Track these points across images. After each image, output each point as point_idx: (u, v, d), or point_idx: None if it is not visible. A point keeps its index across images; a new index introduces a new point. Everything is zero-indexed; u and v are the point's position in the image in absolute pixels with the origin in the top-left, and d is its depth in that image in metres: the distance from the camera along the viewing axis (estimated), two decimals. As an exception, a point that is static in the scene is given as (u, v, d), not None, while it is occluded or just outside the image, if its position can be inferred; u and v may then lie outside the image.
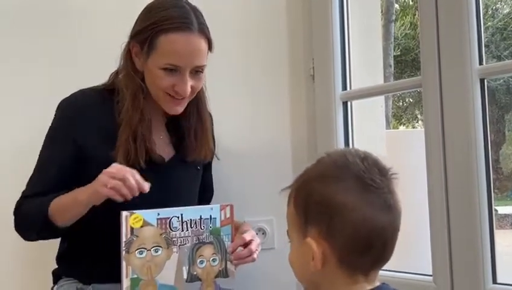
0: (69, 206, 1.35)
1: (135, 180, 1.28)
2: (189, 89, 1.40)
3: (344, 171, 0.89)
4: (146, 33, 1.37)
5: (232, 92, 1.87)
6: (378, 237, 0.88)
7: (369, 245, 0.88)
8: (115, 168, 1.30)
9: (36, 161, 1.47)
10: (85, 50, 1.81)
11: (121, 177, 1.27)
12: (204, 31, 1.40)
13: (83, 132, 1.43)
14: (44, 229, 1.37)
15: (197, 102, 1.50)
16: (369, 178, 0.88)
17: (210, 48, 1.43)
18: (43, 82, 1.79)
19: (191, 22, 1.37)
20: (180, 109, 1.45)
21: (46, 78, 1.79)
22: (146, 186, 1.29)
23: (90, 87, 1.50)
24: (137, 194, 1.28)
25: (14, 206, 1.45)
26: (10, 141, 1.76)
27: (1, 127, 1.78)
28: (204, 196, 1.66)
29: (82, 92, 1.49)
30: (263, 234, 1.85)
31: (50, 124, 1.48)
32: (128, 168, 1.30)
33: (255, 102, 1.89)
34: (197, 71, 1.41)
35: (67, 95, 1.49)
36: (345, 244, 0.88)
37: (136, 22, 1.42)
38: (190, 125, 1.50)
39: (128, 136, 1.39)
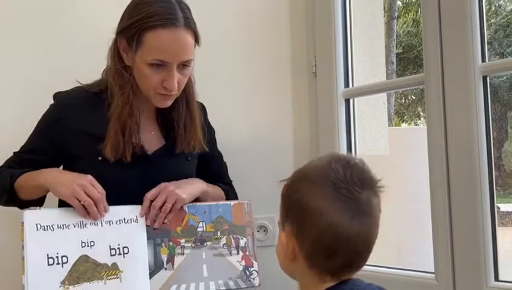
0: (29, 185, 1.43)
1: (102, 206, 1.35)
2: (176, 84, 1.40)
3: (323, 178, 0.92)
4: (133, 29, 1.37)
5: (234, 89, 1.87)
6: (344, 244, 0.90)
7: (333, 251, 0.90)
8: (89, 183, 1.35)
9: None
10: (80, 43, 1.81)
11: (95, 198, 1.34)
12: (190, 25, 1.39)
13: (68, 132, 1.44)
14: (9, 199, 1.47)
15: (186, 94, 1.51)
16: (345, 187, 0.90)
17: (197, 41, 1.43)
18: (40, 76, 1.79)
19: (176, 17, 1.36)
20: (169, 103, 1.46)
21: (43, 71, 1.79)
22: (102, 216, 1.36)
23: (86, 84, 1.50)
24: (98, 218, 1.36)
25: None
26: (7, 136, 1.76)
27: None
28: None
29: (76, 90, 1.50)
30: (265, 231, 1.85)
31: (43, 114, 1.51)
32: (101, 191, 1.35)
33: (257, 99, 1.89)
34: (184, 65, 1.41)
35: (63, 89, 1.51)
36: (311, 246, 0.92)
37: (122, 18, 1.42)
38: (180, 117, 1.50)
39: (117, 130, 1.41)
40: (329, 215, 0.89)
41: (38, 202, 1.49)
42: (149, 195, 1.41)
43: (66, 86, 1.51)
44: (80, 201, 1.32)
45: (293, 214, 0.94)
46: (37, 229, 1.29)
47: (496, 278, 1.37)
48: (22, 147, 1.52)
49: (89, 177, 1.36)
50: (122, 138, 1.40)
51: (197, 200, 1.49)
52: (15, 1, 1.81)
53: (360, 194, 0.91)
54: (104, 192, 1.36)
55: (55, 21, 1.82)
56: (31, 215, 1.31)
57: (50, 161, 1.47)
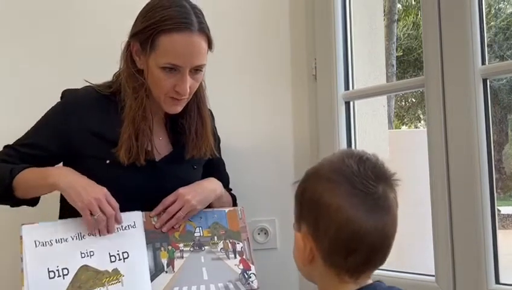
0: (32, 184, 1.39)
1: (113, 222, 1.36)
2: (188, 88, 1.40)
3: (336, 173, 0.91)
4: (147, 33, 1.37)
5: (235, 92, 1.87)
6: (362, 241, 0.88)
7: (352, 248, 0.88)
8: (105, 197, 1.34)
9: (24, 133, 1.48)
10: (85, 46, 1.81)
11: (108, 214, 1.33)
12: (204, 30, 1.40)
13: (76, 131, 1.42)
14: (2, 196, 1.42)
15: (197, 99, 1.51)
16: (360, 182, 0.89)
17: (210, 46, 1.43)
18: (44, 78, 1.79)
19: (191, 21, 1.37)
20: (179, 108, 1.46)
21: (47, 74, 1.80)
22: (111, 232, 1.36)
23: (96, 84, 1.49)
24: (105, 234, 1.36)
25: None
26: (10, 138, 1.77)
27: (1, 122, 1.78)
28: None
29: (85, 89, 1.48)
30: (265, 234, 1.85)
31: (49, 109, 1.48)
32: (115, 205, 1.35)
33: (257, 102, 1.89)
34: (196, 70, 1.41)
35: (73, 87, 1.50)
36: (329, 245, 0.89)
37: (136, 21, 1.42)
38: (191, 123, 1.50)
39: (130, 133, 1.40)
40: (346, 210, 0.88)
41: (33, 202, 1.46)
42: (167, 202, 1.43)
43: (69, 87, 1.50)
44: (92, 214, 1.31)
45: (309, 212, 0.92)
46: (36, 246, 1.30)
47: (497, 281, 1.37)
48: (19, 140, 1.46)
49: (105, 190, 1.35)
50: (135, 142, 1.40)
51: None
52: (20, 1, 1.81)
53: (376, 188, 0.89)
54: (117, 205, 1.36)
55: (57, 21, 1.83)
56: (29, 231, 1.31)
57: (50, 158, 1.45)
